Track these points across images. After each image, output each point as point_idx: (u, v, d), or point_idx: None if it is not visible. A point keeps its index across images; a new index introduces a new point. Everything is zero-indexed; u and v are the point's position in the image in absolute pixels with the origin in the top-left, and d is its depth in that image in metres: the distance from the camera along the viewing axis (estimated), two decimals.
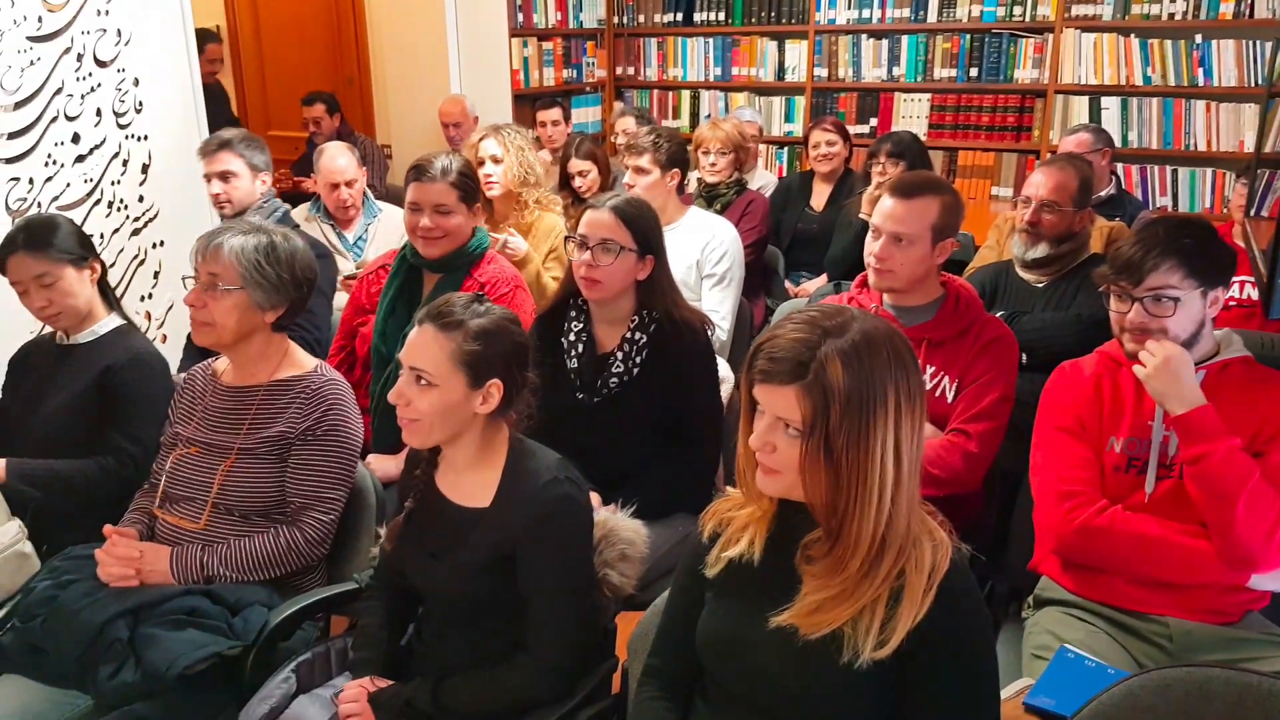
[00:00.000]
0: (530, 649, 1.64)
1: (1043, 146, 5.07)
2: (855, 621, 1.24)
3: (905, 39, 5.36)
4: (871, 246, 2.21)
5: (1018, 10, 5.07)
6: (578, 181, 4.03)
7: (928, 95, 5.36)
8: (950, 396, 2.16)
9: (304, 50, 6.03)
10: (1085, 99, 4.98)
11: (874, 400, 1.21)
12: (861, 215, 3.71)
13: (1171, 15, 4.73)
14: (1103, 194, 3.80)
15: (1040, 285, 2.77)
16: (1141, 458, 1.87)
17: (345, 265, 3.60)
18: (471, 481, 1.70)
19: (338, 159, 3.63)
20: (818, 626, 1.25)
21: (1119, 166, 4.56)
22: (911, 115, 5.43)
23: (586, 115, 6.08)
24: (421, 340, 1.63)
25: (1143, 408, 1.88)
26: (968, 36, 5.21)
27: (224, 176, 3.03)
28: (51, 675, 1.81)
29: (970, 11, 5.18)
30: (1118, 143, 4.48)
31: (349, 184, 3.63)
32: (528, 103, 5.53)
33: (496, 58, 5.38)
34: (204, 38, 5.34)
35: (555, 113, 5.09)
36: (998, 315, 2.49)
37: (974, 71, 5.23)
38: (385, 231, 3.74)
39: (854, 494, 1.23)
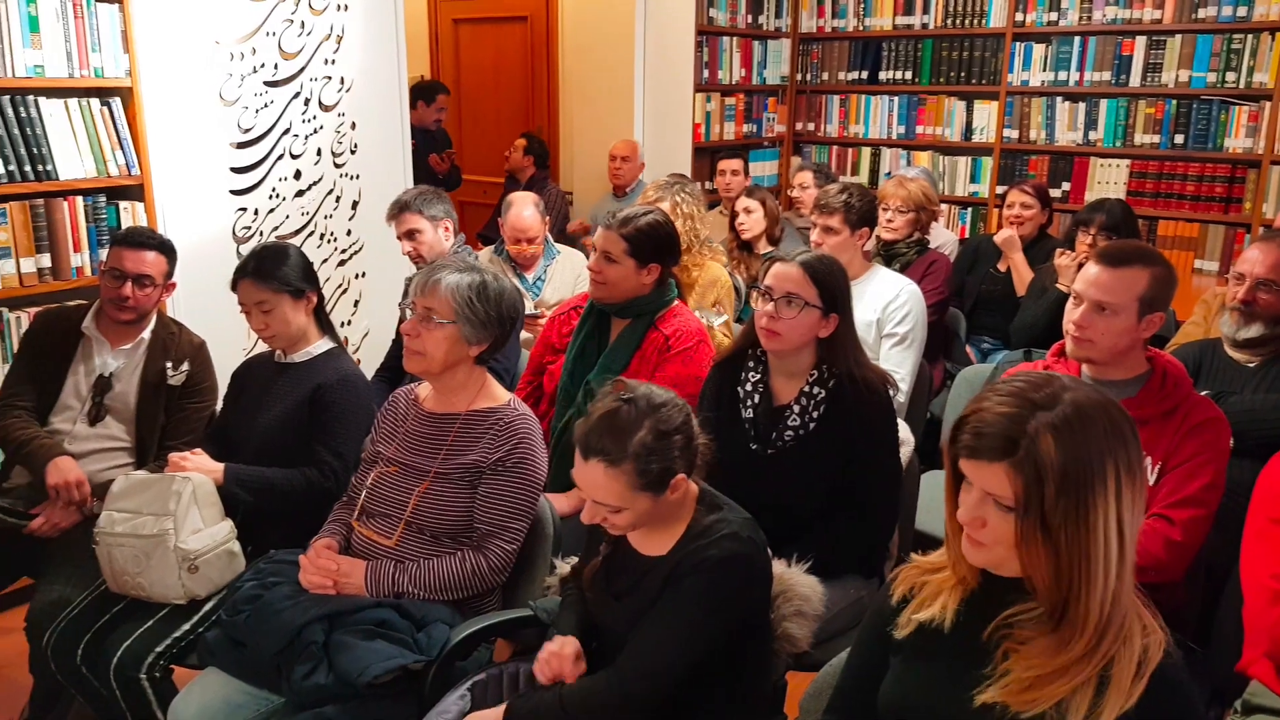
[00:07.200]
0: (617, 671, 1.63)
1: (1255, 219, 4.76)
2: (1063, 703, 1.19)
3: (1104, 102, 5.17)
4: (1072, 314, 2.12)
5: (1230, 76, 4.81)
6: (741, 219, 4.06)
7: (1127, 161, 5.13)
8: (1153, 479, 2.04)
9: (499, 99, 6.34)
10: None
11: (1091, 475, 1.16)
12: (1059, 285, 3.58)
13: None
14: None
15: (1251, 365, 2.60)
16: None
17: (525, 305, 3.74)
18: (658, 534, 1.74)
19: (523, 214, 3.75)
20: (1032, 704, 1.20)
21: None
22: (1108, 181, 5.20)
23: (764, 169, 6.13)
24: (593, 479, 1.63)
25: None
26: (1174, 102, 4.97)
27: (410, 235, 3.29)
28: (248, 671, 1.93)
29: (1178, 76, 4.94)
30: None
31: (530, 240, 3.76)
32: (706, 155, 5.64)
33: (680, 111, 5.52)
34: (436, 89, 5.72)
35: (736, 163, 5.15)
36: (1203, 394, 2.35)
37: (1179, 138, 4.98)
38: (562, 272, 3.87)
39: (1078, 573, 1.18)
